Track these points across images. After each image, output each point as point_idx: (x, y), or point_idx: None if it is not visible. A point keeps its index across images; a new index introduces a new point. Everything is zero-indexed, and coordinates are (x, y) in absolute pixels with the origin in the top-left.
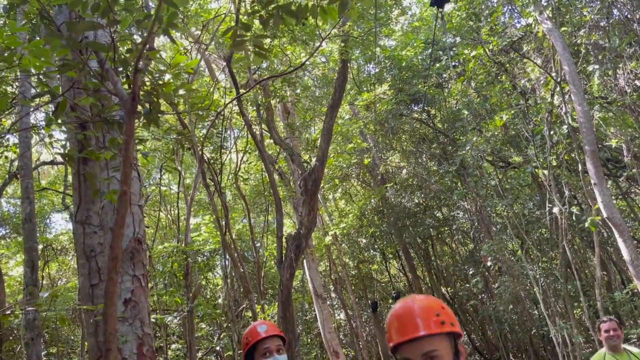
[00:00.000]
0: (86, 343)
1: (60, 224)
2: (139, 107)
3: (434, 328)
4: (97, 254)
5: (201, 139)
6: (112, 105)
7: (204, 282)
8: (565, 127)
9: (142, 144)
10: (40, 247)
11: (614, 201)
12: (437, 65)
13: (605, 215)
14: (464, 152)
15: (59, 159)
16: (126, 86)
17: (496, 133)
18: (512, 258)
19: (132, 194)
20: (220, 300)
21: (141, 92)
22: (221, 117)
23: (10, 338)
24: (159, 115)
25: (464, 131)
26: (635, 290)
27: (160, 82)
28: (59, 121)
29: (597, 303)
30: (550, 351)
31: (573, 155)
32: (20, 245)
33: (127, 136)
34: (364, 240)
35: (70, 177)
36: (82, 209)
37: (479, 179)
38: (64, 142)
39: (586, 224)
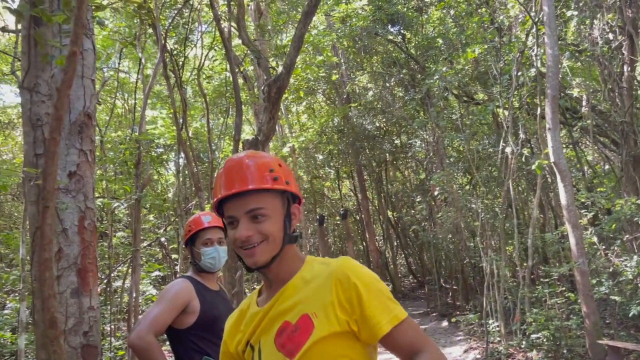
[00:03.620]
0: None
1: (8, 97)
2: None
3: (263, 183)
4: (43, 124)
5: (165, 26)
6: None
7: (155, 177)
8: (533, 70)
9: (98, 10)
10: None
11: (564, 149)
12: None
13: (552, 160)
14: (431, 81)
15: (10, 25)
16: None
17: (466, 67)
18: (459, 191)
19: (85, 66)
20: (170, 195)
21: None
22: (189, 7)
23: None
24: None
25: (436, 60)
26: (565, 233)
27: None
28: None
29: (528, 241)
30: (478, 281)
31: (535, 100)
32: None
33: None
34: (321, 157)
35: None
36: (30, 75)
37: (442, 110)
38: None
39: (533, 167)
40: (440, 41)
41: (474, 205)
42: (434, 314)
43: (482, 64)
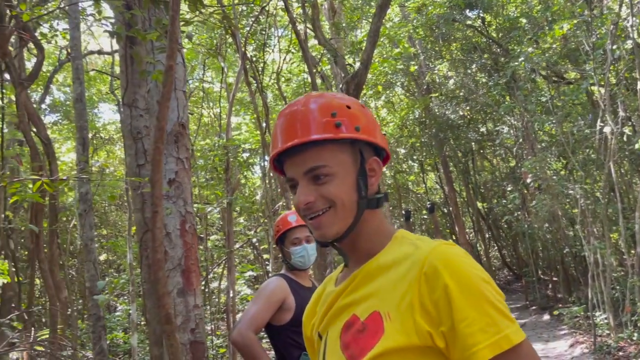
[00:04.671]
0: (133, 228)
1: (107, 114)
2: None
3: (320, 131)
4: (143, 136)
5: (244, 34)
6: None
7: (243, 181)
8: (629, 41)
9: (187, 25)
10: (89, 135)
11: None
12: None
13: None
14: (516, 63)
15: (106, 48)
16: None
17: (554, 45)
18: (554, 177)
19: (176, 79)
20: (258, 197)
21: None
22: (265, 13)
23: (67, 213)
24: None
25: (520, 41)
26: None
27: None
28: None
29: (636, 226)
30: (580, 271)
31: (634, 74)
32: (70, 130)
33: (173, 11)
34: (403, 151)
35: (117, 68)
36: (129, 92)
37: (530, 93)
38: (112, 21)
39: (636, 146)
40: (524, 21)
41: (571, 191)
42: (534, 308)
43: (571, 40)
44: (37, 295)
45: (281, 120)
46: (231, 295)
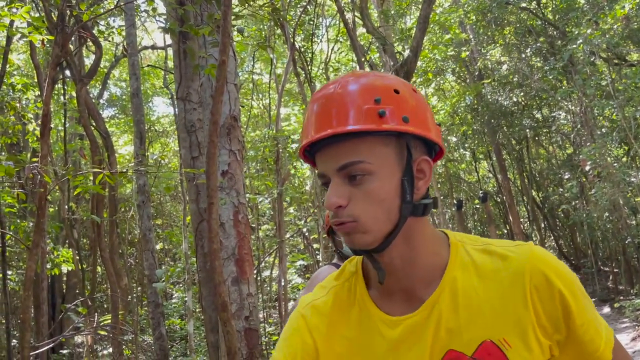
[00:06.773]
0: (188, 218)
1: (161, 108)
2: None
3: (361, 121)
4: (196, 129)
5: (293, 25)
6: None
7: (292, 171)
8: None
9: (238, 19)
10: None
11: None
12: None
13: None
14: (574, 46)
15: (159, 43)
16: None
17: (615, 26)
18: (615, 164)
19: (228, 72)
20: (307, 188)
21: None
22: (313, 3)
23: (126, 204)
24: None
25: (578, 23)
26: None
27: None
28: None
29: None
30: None
31: None
32: (127, 124)
33: (225, 7)
34: (454, 139)
35: (169, 62)
36: (182, 86)
37: (589, 77)
38: (165, 17)
39: None
40: (582, 1)
41: (634, 179)
42: (593, 300)
43: (634, 20)
44: (99, 282)
45: (315, 104)
46: (282, 284)
